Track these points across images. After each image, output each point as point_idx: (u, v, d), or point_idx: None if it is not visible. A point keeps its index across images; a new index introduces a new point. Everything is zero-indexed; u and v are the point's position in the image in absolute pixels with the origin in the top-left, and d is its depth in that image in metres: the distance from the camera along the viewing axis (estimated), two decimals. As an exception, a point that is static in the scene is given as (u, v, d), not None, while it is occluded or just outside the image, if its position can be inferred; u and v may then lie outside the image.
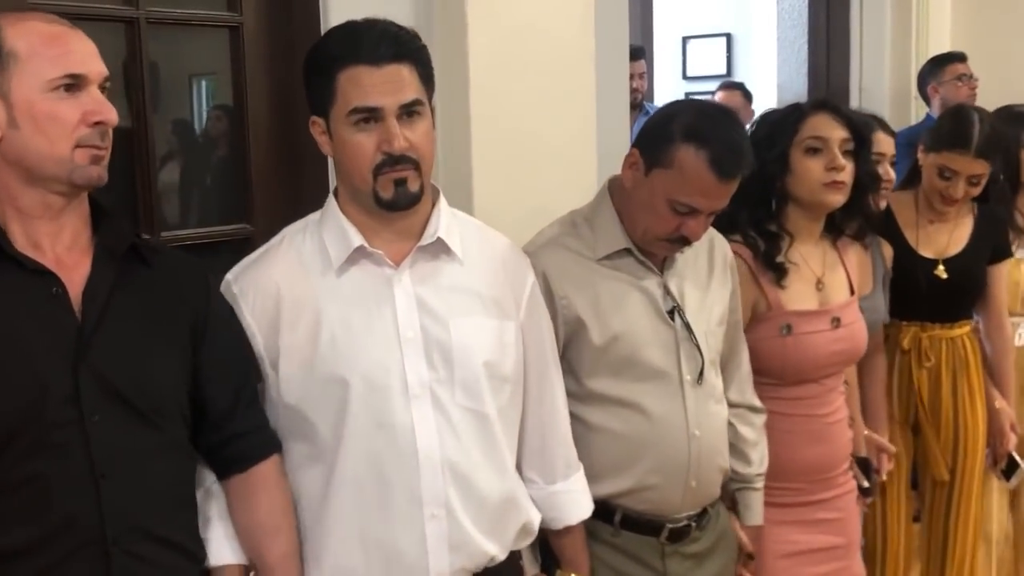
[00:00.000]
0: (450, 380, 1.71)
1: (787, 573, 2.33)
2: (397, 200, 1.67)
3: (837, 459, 2.41)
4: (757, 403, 2.23)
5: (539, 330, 1.87)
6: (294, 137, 2.20)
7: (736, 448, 2.16)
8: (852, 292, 2.44)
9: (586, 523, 1.95)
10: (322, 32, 1.92)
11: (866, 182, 2.38)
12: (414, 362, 1.69)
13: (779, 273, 2.30)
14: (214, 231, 2.25)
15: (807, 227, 2.37)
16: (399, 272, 1.71)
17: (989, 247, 2.93)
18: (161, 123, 2.16)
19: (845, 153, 2.28)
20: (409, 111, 1.65)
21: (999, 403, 2.95)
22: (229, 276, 1.75)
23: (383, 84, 1.63)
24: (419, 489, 1.67)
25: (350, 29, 1.68)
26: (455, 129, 2.24)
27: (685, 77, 7.24)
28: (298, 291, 1.70)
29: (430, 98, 1.71)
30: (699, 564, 2.08)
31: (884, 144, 2.75)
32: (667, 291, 2.03)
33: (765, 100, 5.08)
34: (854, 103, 4.68)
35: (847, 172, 2.28)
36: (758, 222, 2.32)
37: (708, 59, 7.14)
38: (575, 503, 1.92)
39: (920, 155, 2.87)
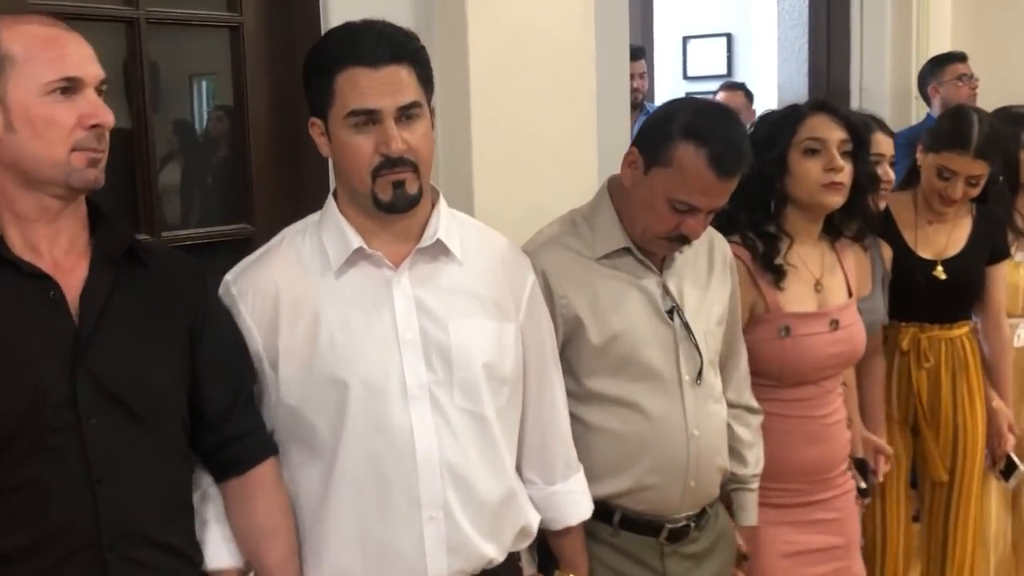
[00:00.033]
0: (449, 382, 1.70)
1: (787, 573, 2.33)
2: (395, 202, 1.67)
3: (836, 460, 2.41)
4: (754, 404, 2.23)
5: (539, 330, 1.87)
6: (294, 137, 2.19)
7: (732, 449, 2.16)
8: (850, 294, 2.44)
9: (585, 523, 1.94)
10: (322, 32, 1.92)
11: (865, 183, 2.38)
12: (413, 364, 1.68)
13: (778, 275, 2.30)
14: (214, 231, 2.25)
15: (806, 228, 2.36)
16: (398, 274, 1.71)
17: (988, 248, 2.92)
18: (161, 123, 2.16)
19: (844, 154, 2.28)
20: (407, 113, 1.65)
21: (996, 403, 2.95)
22: (228, 277, 1.75)
23: (381, 86, 1.62)
24: (417, 491, 1.67)
25: (348, 31, 1.67)
26: (455, 129, 2.24)
27: (685, 77, 7.24)
28: (297, 292, 1.70)
29: (429, 99, 1.70)
30: (698, 564, 2.08)
31: (883, 145, 2.75)
32: (666, 290, 2.02)
33: (765, 100, 5.09)
34: (854, 103, 4.68)
35: (846, 173, 2.28)
36: (757, 223, 2.32)
37: (708, 59, 7.14)
38: (575, 504, 1.92)
39: (919, 155, 2.87)
